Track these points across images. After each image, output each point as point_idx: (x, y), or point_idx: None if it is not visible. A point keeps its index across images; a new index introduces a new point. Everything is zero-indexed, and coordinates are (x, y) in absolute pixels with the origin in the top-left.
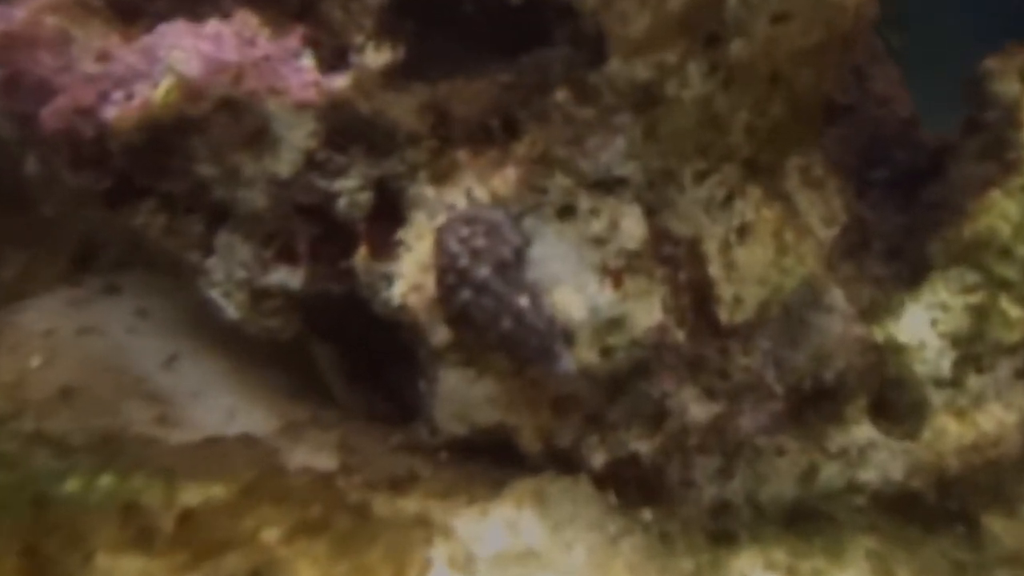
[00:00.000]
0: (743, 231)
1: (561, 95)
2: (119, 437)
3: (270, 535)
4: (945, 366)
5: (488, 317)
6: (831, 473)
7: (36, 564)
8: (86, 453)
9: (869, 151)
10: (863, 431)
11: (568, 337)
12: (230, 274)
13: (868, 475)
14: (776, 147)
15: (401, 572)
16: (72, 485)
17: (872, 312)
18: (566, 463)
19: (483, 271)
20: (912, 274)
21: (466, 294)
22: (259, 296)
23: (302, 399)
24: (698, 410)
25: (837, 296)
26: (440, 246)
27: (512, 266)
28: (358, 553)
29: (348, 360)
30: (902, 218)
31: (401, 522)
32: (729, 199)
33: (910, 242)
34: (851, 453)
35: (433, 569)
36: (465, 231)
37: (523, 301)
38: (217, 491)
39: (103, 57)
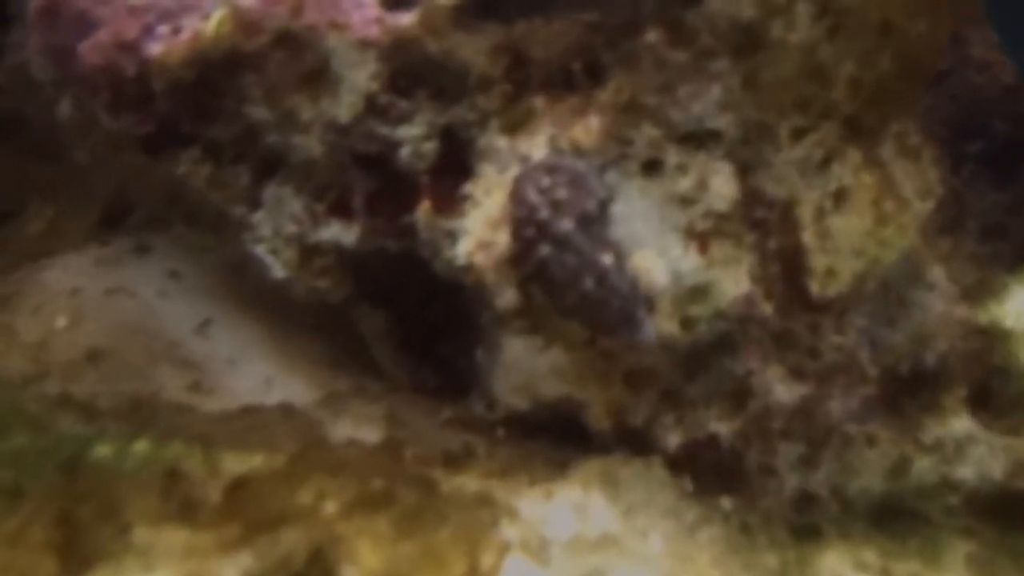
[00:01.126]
0: (840, 197)
1: (652, 36)
2: (150, 403)
3: (329, 509)
4: None
5: (568, 276)
6: (924, 468)
7: (68, 535)
8: (115, 418)
9: (965, 121)
10: (962, 423)
11: (648, 305)
12: (279, 229)
13: (964, 472)
14: (880, 106)
15: (474, 556)
16: (103, 451)
17: (974, 293)
18: (637, 443)
19: (565, 225)
20: (1016, 255)
21: (545, 249)
22: (309, 253)
23: (344, 368)
24: (784, 391)
25: (938, 273)
26: (517, 197)
27: (596, 221)
28: (426, 532)
29: (398, 327)
30: (999, 194)
31: (465, 501)
32: (827, 161)
33: (1013, 220)
34: (947, 447)
35: (510, 553)
36: (546, 181)
37: (607, 260)
38: (260, 462)
39: None
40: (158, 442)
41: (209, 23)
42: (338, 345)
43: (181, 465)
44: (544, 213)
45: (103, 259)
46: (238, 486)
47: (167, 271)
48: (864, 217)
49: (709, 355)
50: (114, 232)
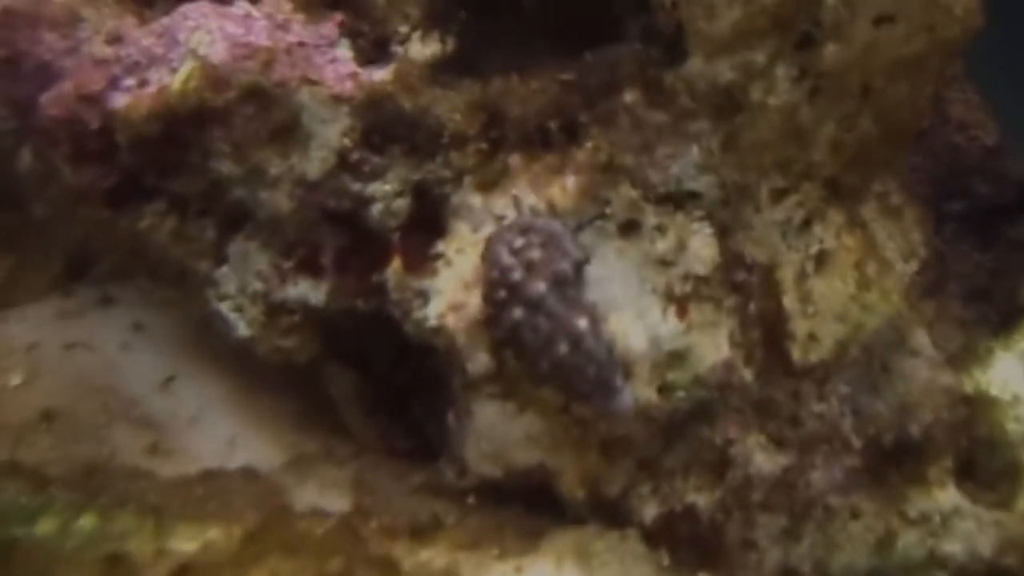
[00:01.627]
0: (821, 259)
1: (630, 97)
2: (104, 468)
3: None
4: None
5: (541, 340)
6: (910, 542)
7: None
8: (66, 486)
9: (945, 181)
10: (948, 496)
11: (625, 371)
12: (244, 286)
13: (952, 547)
14: (861, 168)
15: None
16: (46, 526)
17: (959, 359)
18: (613, 514)
19: (539, 287)
20: (1001, 319)
21: (518, 312)
22: (275, 311)
23: (311, 429)
24: (764, 461)
25: (922, 339)
26: (490, 257)
27: (571, 283)
28: None
29: (368, 387)
30: (981, 256)
31: None
32: (808, 223)
33: (997, 283)
34: (933, 520)
35: None
36: (519, 241)
37: (582, 324)
38: (215, 535)
39: (115, 39)
40: (106, 515)
41: (176, 77)
42: (307, 402)
43: (126, 545)
44: (517, 274)
45: (64, 311)
46: (183, 570)
47: (131, 323)
48: (847, 281)
49: (687, 423)
50: (77, 282)
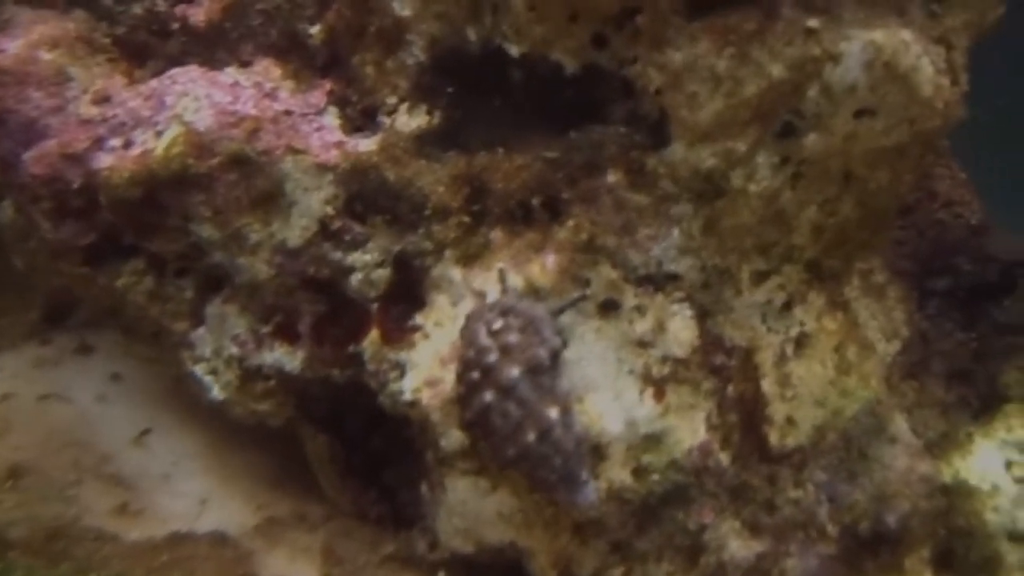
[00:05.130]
0: (801, 342)
1: (613, 177)
2: (68, 531)
3: None
4: (1022, 517)
5: (510, 426)
6: None
7: None
8: (27, 551)
9: (930, 257)
10: None
11: (599, 453)
12: (219, 349)
13: None
14: (842, 251)
15: None
16: None
17: (938, 446)
18: None
19: (512, 372)
20: (982, 404)
21: (488, 396)
22: (250, 376)
23: (285, 488)
24: (739, 547)
25: (901, 425)
26: (467, 336)
27: (546, 371)
28: None
29: (342, 452)
30: (965, 335)
31: None
32: (788, 305)
33: (979, 366)
34: None
35: None
36: (498, 323)
37: (552, 413)
38: None
39: (102, 99)
40: None
41: (161, 141)
42: (281, 461)
43: None
44: (492, 357)
45: (41, 359)
46: None
47: (109, 374)
48: (826, 364)
49: (661, 506)
50: (56, 329)
